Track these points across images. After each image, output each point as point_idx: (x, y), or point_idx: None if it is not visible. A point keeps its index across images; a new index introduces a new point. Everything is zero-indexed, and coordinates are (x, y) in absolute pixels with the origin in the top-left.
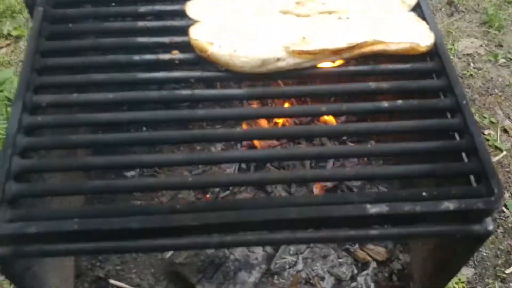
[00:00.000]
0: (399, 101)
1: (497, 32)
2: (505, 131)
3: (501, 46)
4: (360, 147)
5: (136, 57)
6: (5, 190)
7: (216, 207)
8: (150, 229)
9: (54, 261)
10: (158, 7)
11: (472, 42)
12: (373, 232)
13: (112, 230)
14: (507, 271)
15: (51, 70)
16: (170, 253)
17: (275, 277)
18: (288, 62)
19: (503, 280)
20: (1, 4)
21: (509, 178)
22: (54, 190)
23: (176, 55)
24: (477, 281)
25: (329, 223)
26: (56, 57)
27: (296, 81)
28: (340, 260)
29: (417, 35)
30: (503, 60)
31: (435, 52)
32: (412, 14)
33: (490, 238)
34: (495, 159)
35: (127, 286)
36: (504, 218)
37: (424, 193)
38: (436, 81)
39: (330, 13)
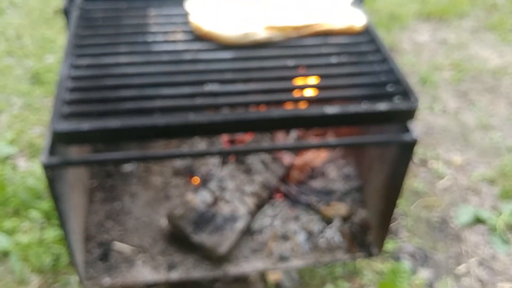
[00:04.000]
0: (344, 57)
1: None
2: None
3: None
4: None
5: (150, 39)
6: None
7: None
8: (172, 126)
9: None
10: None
11: None
12: (332, 140)
13: (145, 128)
14: None
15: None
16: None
17: (256, 235)
18: (263, 35)
19: None
20: None
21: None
22: None
23: (179, 37)
24: None
25: (297, 124)
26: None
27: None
28: (309, 217)
29: (354, 19)
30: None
31: (366, 30)
32: (349, 3)
33: None
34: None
35: (129, 245)
36: None
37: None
38: (368, 46)
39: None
